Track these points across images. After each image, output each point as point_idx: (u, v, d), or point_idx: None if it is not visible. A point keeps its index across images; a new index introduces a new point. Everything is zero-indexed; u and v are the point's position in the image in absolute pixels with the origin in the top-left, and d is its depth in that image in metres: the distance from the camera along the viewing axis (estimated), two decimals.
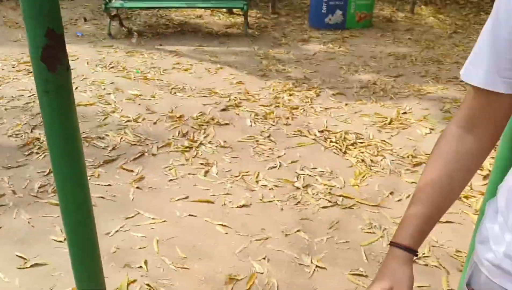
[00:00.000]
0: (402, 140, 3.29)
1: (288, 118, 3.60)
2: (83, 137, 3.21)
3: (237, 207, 2.51)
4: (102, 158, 2.96)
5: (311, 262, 2.13)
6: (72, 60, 5.00)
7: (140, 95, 4.06)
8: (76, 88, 4.17)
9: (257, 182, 2.76)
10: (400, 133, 3.40)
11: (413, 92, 4.21)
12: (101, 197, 2.57)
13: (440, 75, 4.67)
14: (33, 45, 1.10)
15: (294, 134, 3.35)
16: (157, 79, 4.47)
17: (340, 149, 3.14)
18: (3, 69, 4.64)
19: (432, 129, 3.44)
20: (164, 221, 2.39)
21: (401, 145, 3.22)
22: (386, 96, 4.12)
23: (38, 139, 3.17)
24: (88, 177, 2.71)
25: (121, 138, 3.25)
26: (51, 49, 1.11)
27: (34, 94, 3.86)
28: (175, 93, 4.13)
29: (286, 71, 4.75)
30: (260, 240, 2.27)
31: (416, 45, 5.83)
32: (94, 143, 3.16)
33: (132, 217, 2.41)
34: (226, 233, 2.31)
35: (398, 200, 2.62)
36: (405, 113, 3.74)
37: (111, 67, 4.80)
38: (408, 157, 3.06)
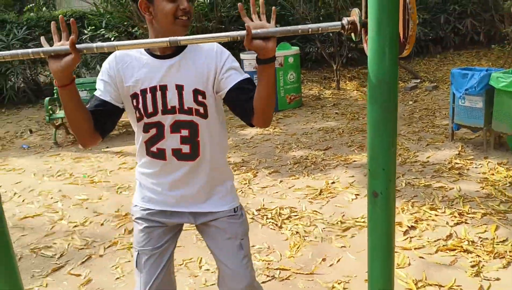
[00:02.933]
0: (332, 208, 3.61)
1: None
2: (31, 249, 3.32)
3: None
4: (50, 267, 3.06)
5: None
6: (19, 173, 5.15)
7: (87, 199, 4.23)
8: (23, 200, 4.30)
9: (200, 267, 2.94)
10: (330, 202, 3.73)
11: (341, 161, 4.63)
12: None
13: (365, 143, 5.17)
14: None
15: None
16: (104, 181, 4.68)
17: (276, 224, 3.41)
18: None
19: (357, 194, 3.80)
20: None
21: (330, 213, 3.53)
22: (316, 168, 4.51)
23: None
24: (37, 288, 2.84)
25: (69, 244, 3.37)
26: None
27: None
28: (121, 192, 4.34)
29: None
30: None
31: (343, 118, 6.42)
32: (42, 253, 3.26)
33: None
34: None
35: (330, 265, 2.86)
36: (333, 182, 4.10)
37: (58, 175, 4.97)
38: (337, 223, 3.36)
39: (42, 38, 1.41)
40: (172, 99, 1.59)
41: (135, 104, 1.61)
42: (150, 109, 1.60)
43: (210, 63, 1.61)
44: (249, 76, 1.65)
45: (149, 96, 1.59)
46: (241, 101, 1.60)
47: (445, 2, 10.12)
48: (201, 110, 1.62)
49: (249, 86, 1.61)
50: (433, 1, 9.96)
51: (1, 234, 1.42)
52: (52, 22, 1.38)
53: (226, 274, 1.79)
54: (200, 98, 1.61)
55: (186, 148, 1.64)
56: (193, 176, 1.69)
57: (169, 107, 1.59)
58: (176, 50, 1.61)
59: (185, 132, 1.62)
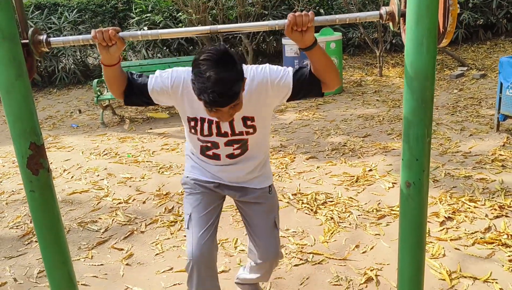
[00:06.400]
0: (368, 196, 3.61)
1: None
2: (78, 223, 3.53)
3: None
4: (95, 240, 3.25)
5: None
6: (68, 151, 5.43)
7: (131, 177, 4.42)
8: (72, 177, 4.54)
9: (235, 247, 3.04)
10: (366, 189, 3.73)
11: (379, 149, 4.59)
12: (94, 276, 2.83)
13: None
14: (19, 155, 1.48)
15: None
16: (147, 161, 4.86)
17: (311, 209, 3.45)
18: (3, 166, 5.04)
19: (394, 183, 3.77)
20: None
21: (366, 200, 3.53)
22: (354, 155, 4.49)
23: None
24: (83, 259, 3.03)
25: (113, 219, 3.56)
26: (34, 157, 1.49)
27: None
28: (162, 172, 4.50)
29: None
30: None
31: (384, 105, 6.32)
32: (88, 227, 3.46)
33: None
34: None
35: (363, 252, 2.89)
36: (370, 170, 4.09)
37: (104, 154, 5.20)
38: (372, 211, 3.36)
39: (93, 31, 1.55)
40: (225, 127, 1.81)
41: (192, 124, 1.83)
42: (205, 132, 1.83)
43: (259, 84, 1.72)
44: (291, 67, 1.75)
45: (206, 125, 1.81)
46: (306, 86, 1.72)
47: None
48: (251, 130, 1.83)
49: (299, 72, 1.72)
50: None
51: (52, 208, 1.54)
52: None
53: (259, 245, 2.04)
54: (249, 122, 1.80)
55: (237, 152, 1.90)
56: (241, 166, 1.96)
57: (222, 132, 1.82)
58: None
59: (237, 145, 1.88)
